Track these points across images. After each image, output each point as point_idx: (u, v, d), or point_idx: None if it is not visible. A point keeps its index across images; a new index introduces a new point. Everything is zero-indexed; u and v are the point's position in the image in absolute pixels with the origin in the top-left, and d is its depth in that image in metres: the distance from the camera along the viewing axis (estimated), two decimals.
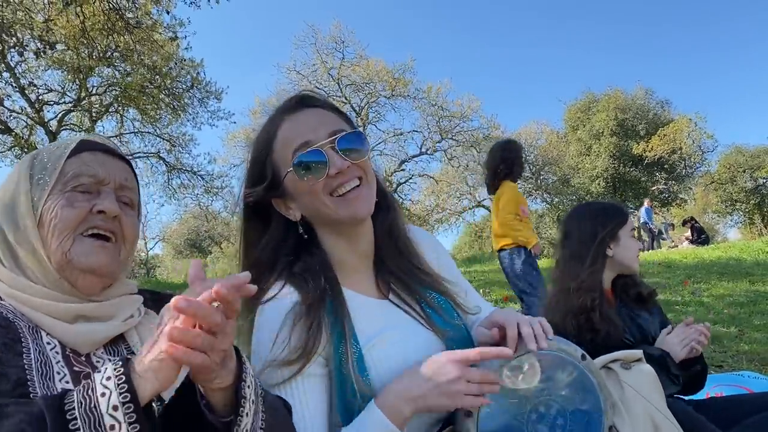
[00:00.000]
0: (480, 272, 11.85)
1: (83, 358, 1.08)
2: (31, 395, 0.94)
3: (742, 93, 65.78)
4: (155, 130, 18.44)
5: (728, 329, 5.73)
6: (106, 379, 0.81)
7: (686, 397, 2.20)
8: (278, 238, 1.41)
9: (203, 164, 20.23)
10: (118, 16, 11.39)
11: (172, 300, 0.80)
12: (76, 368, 1.05)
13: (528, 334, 1.27)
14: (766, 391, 2.39)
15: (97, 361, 1.10)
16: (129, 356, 0.86)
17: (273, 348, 1.24)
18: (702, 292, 8.23)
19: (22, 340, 1.01)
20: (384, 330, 1.34)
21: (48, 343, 1.05)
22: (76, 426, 0.78)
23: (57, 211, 1.10)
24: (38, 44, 11.98)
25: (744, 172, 30.97)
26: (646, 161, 29.69)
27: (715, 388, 2.91)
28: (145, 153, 19.01)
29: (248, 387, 0.96)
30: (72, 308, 1.10)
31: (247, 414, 0.94)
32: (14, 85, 14.36)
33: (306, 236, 1.41)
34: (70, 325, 1.08)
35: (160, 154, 19.16)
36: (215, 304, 0.83)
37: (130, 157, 1.31)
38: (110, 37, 12.65)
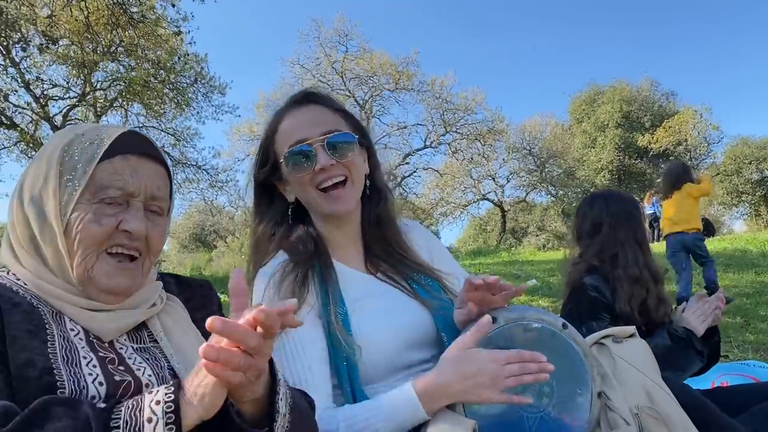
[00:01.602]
0: (485, 264, 11.87)
1: (106, 345, 1.09)
2: (58, 383, 0.94)
3: (749, 84, 65.32)
4: (160, 125, 18.43)
5: (734, 320, 5.74)
6: (155, 403, 0.81)
7: (693, 387, 2.21)
8: (280, 213, 1.60)
9: (208, 158, 20.23)
10: (122, 11, 11.40)
11: (208, 321, 0.77)
12: (101, 353, 1.06)
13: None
14: None
15: (120, 348, 1.10)
16: (179, 381, 0.85)
17: (267, 292, 1.40)
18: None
19: (47, 327, 1.02)
20: (370, 296, 1.48)
21: (71, 329, 1.06)
22: None
23: (84, 225, 1.07)
24: (42, 39, 11.98)
25: (750, 163, 30.81)
26: (651, 153, 29.61)
27: (720, 377, 2.92)
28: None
29: (281, 400, 0.95)
30: (95, 304, 1.10)
31: (280, 427, 0.94)
32: (19, 80, 14.38)
33: (296, 218, 1.60)
34: (93, 313, 1.09)
35: (165, 149, 19.16)
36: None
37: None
38: (114, 31, 12.65)
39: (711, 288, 6.57)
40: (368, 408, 1.28)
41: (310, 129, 1.48)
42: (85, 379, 0.98)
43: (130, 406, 0.81)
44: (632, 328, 1.70)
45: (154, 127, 18.57)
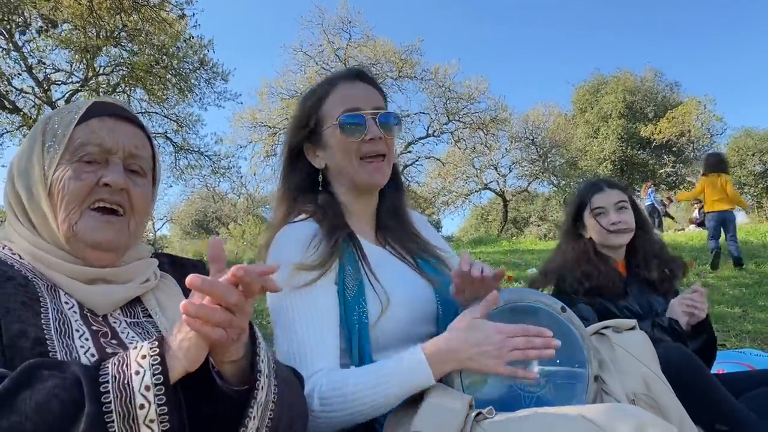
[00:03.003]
0: (485, 253, 11.89)
1: (100, 318, 1.11)
2: (50, 353, 0.96)
3: (753, 76, 64.98)
4: (162, 111, 18.34)
5: (732, 309, 5.76)
6: (141, 357, 0.83)
7: None
8: (303, 178, 1.64)
9: (210, 145, 20.17)
10: None
11: (188, 278, 0.81)
12: (94, 327, 1.08)
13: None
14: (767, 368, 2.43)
15: (114, 322, 1.12)
16: (162, 336, 0.87)
17: (298, 251, 1.43)
18: (707, 274, 8.24)
19: (41, 299, 1.04)
20: (383, 266, 1.52)
21: (66, 303, 1.08)
22: (108, 399, 0.79)
23: (64, 182, 1.10)
24: (42, 22, 11.90)
25: (753, 155, 30.67)
26: (654, 144, 29.47)
27: (717, 364, 2.94)
28: (152, 133, 18.80)
29: (262, 362, 0.97)
30: (90, 271, 1.12)
31: (262, 388, 0.96)
32: (22, 64, 14.35)
33: (323, 185, 1.64)
34: (88, 286, 1.11)
35: (167, 135, 19.13)
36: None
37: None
38: (118, 16, 12.60)
39: (736, 261, 8.45)
40: (376, 369, 1.30)
41: (363, 101, 1.56)
42: (77, 351, 1.00)
43: (117, 362, 0.83)
44: (633, 322, 1.71)
45: (157, 113, 18.52)
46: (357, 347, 1.41)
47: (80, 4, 11.87)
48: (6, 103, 14.58)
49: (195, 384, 0.91)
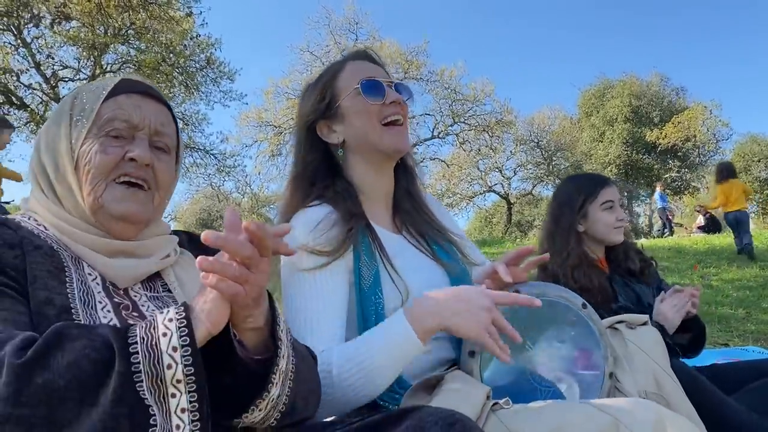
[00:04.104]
0: (489, 254, 11.87)
1: (122, 291, 1.13)
2: (75, 322, 0.97)
3: (760, 81, 64.71)
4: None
5: (735, 311, 5.75)
6: (168, 320, 0.85)
7: (690, 364, 2.24)
8: (318, 159, 1.61)
9: (215, 143, 20.25)
10: None
11: (203, 234, 0.83)
12: (116, 300, 1.09)
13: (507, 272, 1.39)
14: None
15: (135, 296, 1.14)
16: (186, 302, 0.89)
17: (312, 233, 1.41)
18: (711, 277, 8.23)
19: (66, 269, 1.05)
20: (399, 255, 1.49)
21: (89, 274, 1.09)
22: (137, 360, 0.81)
23: (91, 156, 1.12)
24: (54, 15, 11.95)
25: (759, 161, 30.58)
26: (659, 149, 29.40)
27: (719, 360, 2.94)
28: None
29: (282, 331, 0.99)
30: (113, 244, 1.14)
31: (283, 356, 0.97)
32: (30, 60, 14.44)
33: (337, 167, 1.61)
34: (110, 259, 1.12)
35: None
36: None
37: None
38: (126, 13, 12.67)
39: (746, 251, 9.79)
40: (361, 339, 1.31)
41: (377, 73, 1.58)
42: (100, 322, 1.02)
43: (145, 325, 0.85)
44: (645, 317, 1.73)
45: None
46: None
47: (89, 1, 11.93)
48: (14, 99, 14.67)
49: (216, 355, 0.93)
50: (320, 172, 1.60)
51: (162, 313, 0.87)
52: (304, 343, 1.26)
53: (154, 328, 0.84)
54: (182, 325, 0.84)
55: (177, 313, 0.85)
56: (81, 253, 1.11)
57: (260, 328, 0.96)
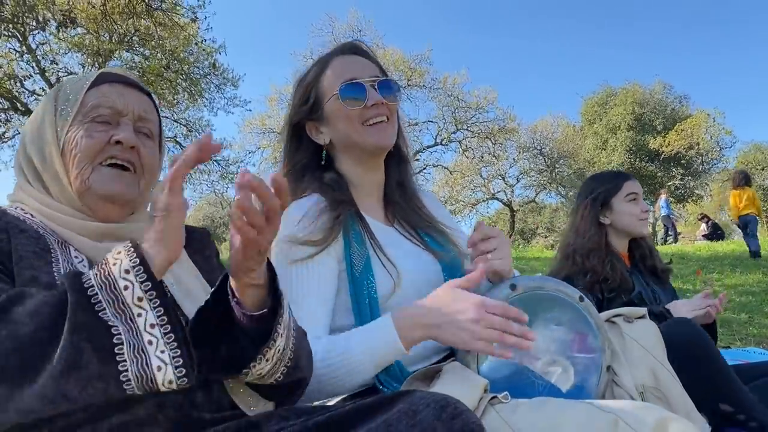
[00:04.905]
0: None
1: None
2: None
3: (764, 90, 64.74)
4: (172, 115, 18.45)
5: (738, 315, 5.74)
6: (117, 253, 0.88)
7: None
8: (308, 156, 1.64)
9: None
10: None
11: (239, 174, 0.84)
12: None
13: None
14: None
15: None
16: (132, 241, 0.91)
17: (298, 225, 1.43)
18: (714, 282, 8.21)
19: (51, 251, 1.07)
20: (391, 245, 1.51)
21: (76, 257, 1.10)
22: (94, 292, 0.85)
23: (77, 141, 1.15)
24: (60, 18, 12.02)
25: (762, 170, 30.60)
26: (662, 156, 29.42)
27: None
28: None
29: (281, 288, 1.03)
30: (99, 226, 1.15)
31: (284, 311, 1.02)
32: (35, 66, 14.52)
33: (327, 162, 1.63)
34: (97, 243, 1.13)
35: (177, 139, 19.23)
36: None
37: None
38: (130, 20, 12.75)
39: (754, 253, 10.73)
40: (346, 336, 1.32)
41: (360, 71, 1.57)
42: None
43: (97, 265, 0.89)
44: (643, 310, 1.73)
45: (167, 117, 18.62)
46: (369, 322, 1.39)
47: (94, 7, 12.02)
48: (18, 105, 14.75)
49: (215, 326, 0.97)
50: (309, 169, 1.63)
51: (115, 263, 0.89)
52: None
53: (105, 264, 0.88)
54: (130, 251, 0.87)
55: (124, 246, 0.89)
56: (67, 237, 1.12)
57: (261, 285, 1.00)
